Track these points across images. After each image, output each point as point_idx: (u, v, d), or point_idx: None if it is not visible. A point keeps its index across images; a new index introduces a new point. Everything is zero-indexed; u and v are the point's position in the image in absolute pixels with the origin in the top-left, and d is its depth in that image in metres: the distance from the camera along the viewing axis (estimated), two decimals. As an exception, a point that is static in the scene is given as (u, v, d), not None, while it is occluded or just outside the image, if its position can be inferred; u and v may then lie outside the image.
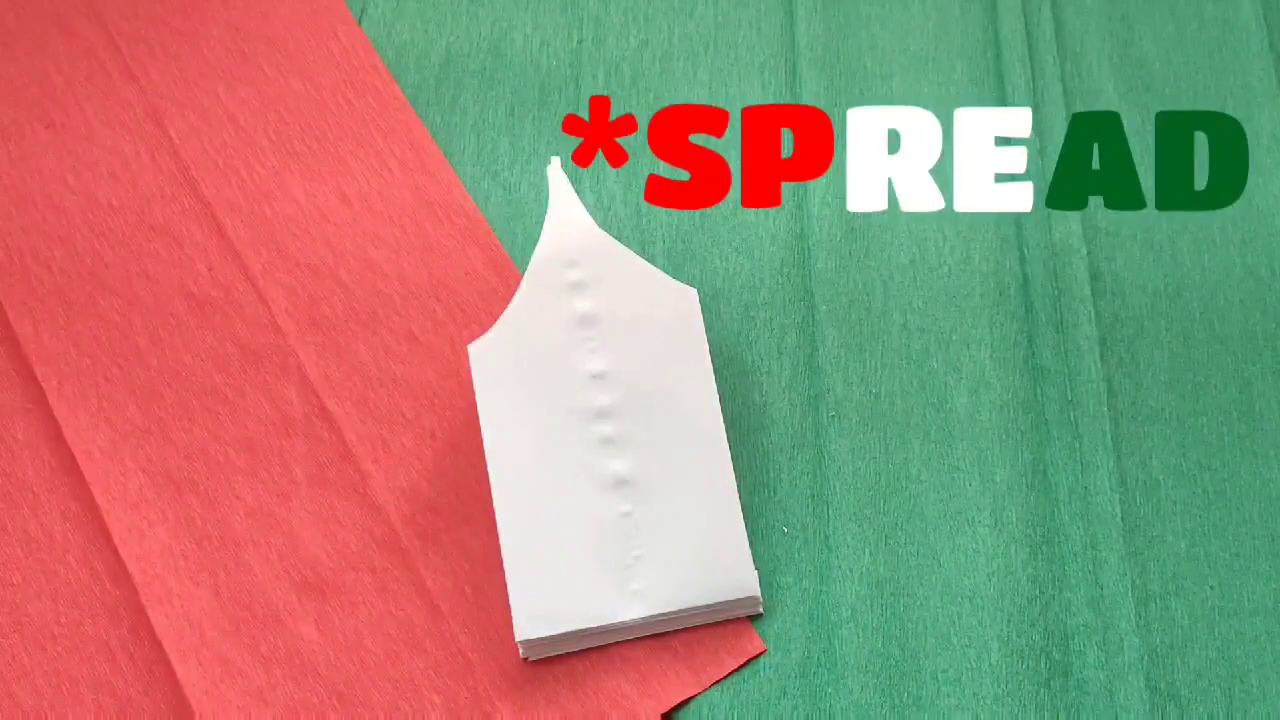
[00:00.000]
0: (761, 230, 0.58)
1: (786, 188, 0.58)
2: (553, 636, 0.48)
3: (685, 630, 0.50)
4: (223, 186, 0.59)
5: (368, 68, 0.61)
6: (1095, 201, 0.58)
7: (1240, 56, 0.61)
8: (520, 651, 0.49)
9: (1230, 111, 0.59)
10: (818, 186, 0.58)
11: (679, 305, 0.52)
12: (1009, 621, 0.50)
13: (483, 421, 0.51)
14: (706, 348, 0.51)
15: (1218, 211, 0.57)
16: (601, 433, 0.50)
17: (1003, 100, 0.60)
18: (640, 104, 0.61)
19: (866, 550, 0.51)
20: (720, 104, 0.60)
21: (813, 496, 0.52)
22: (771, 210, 0.58)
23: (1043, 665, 0.49)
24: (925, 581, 0.51)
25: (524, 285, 0.52)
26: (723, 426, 0.50)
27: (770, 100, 0.60)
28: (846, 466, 0.53)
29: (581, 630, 0.48)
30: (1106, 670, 0.49)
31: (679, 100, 0.61)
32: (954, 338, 0.55)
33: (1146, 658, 0.49)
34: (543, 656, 0.49)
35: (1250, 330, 0.55)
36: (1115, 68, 0.61)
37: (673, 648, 0.49)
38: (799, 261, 0.57)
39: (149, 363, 0.56)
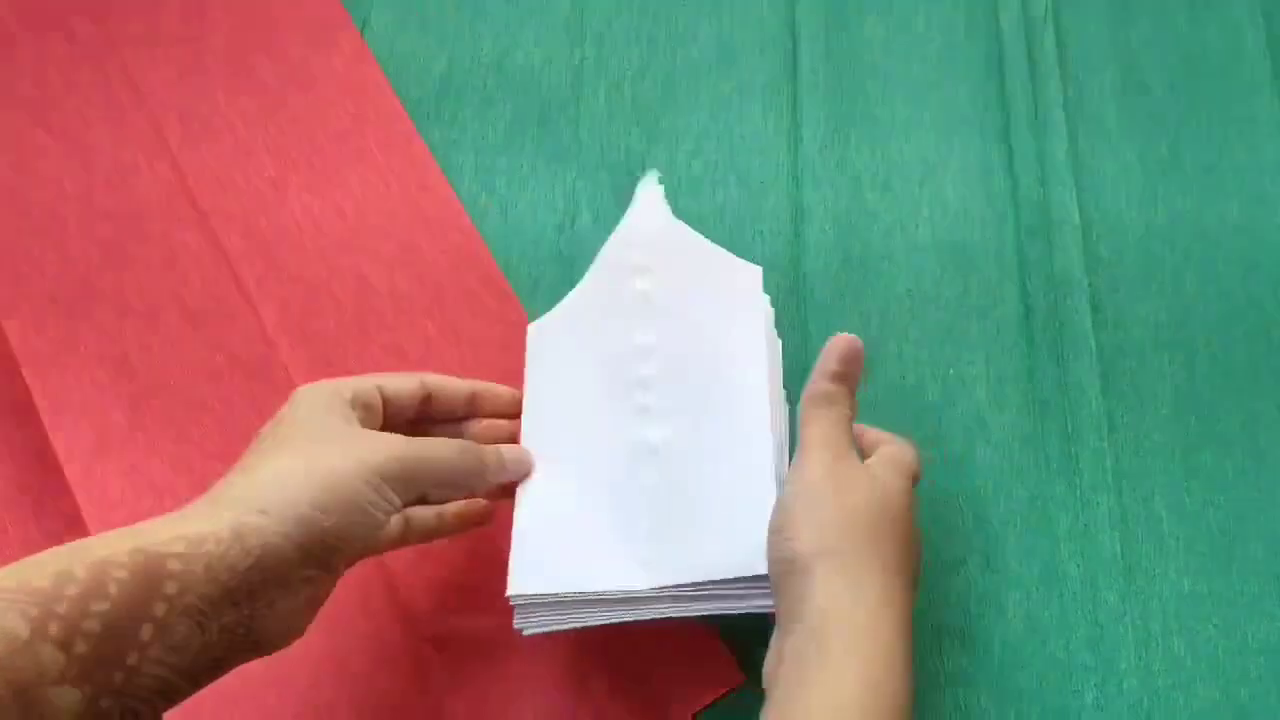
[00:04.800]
0: (758, 256, 0.57)
1: (784, 215, 0.58)
2: (549, 599, 0.45)
3: (664, 667, 0.48)
4: (219, 196, 0.59)
5: (369, 81, 0.62)
6: (1097, 231, 0.57)
7: (1244, 84, 0.60)
8: (515, 620, 0.45)
9: (1233, 139, 0.59)
10: (814, 216, 0.58)
11: (738, 281, 0.50)
12: (998, 664, 0.49)
13: (526, 390, 0.50)
14: (763, 325, 0.49)
15: (1222, 242, 0.57)
16: (640, 402, 0.48)
17: (1005, 126, 0.60)
18: (641, 126, 0.61)
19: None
20: (720, 126, 0.60)
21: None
22: (768, 236, 0.58)
23: (1036, 708, 0.48)
24: (918, 618, 0.49)
25: (589, 273, 0.52)
26: (767, 403, 0.47)
27: (771, 123, 0.60)
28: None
29: (581, 596, 0.44)
30: (1106, 713, 0.48)
31: (679, 123, 0.61)
32: (950, 371, 0.55)
33: (1147, 699, 0.48)
34: (540, 631, 0.45)
35: (1254, 363, 0.54)
36: (1118, 95, 0.60)
37: (652, 682, 0.48)
38: (794, 290, 0.56)
39: (138, 370, 0.55)
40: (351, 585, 0.51)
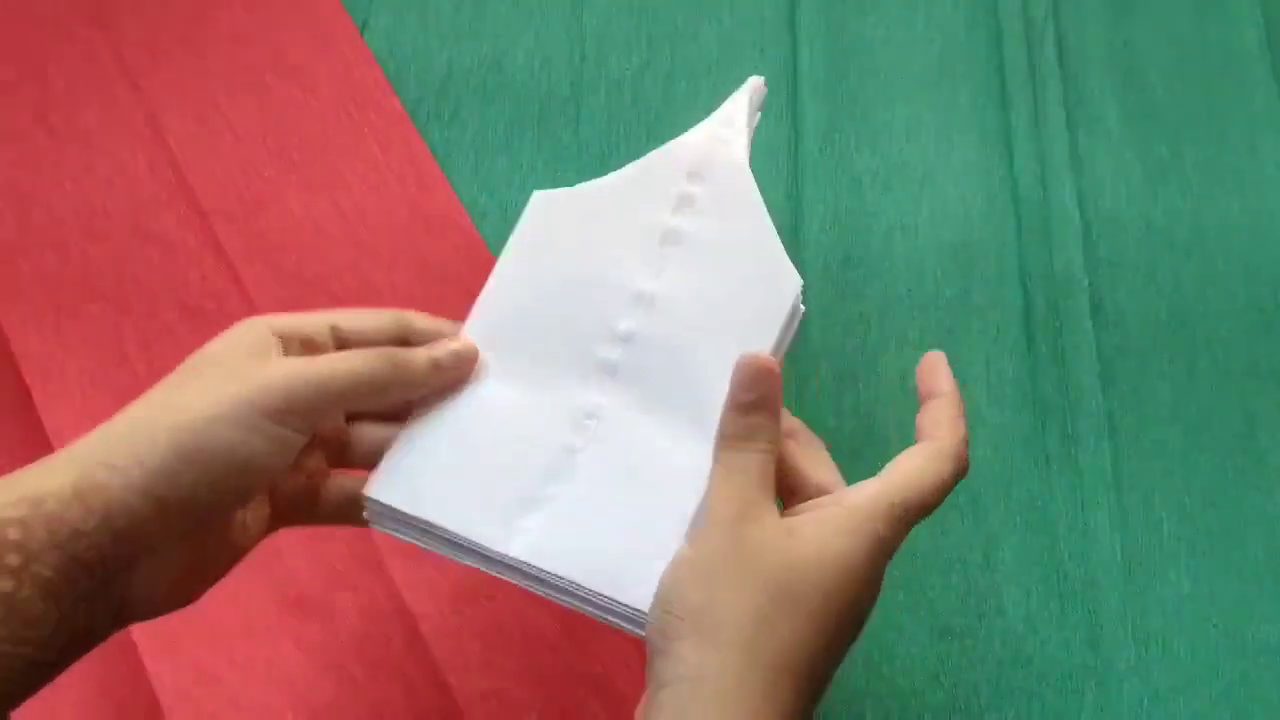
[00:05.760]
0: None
1: (782, 218, 0.58)
2: (404, 515, 0.40)
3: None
4: (219, 195, 0.59)
5: (369, 80, 0.61)
6: (1097, 230, 0.57)
7: (1243, 83, 0.60)
8: (365, 512, 0.41)
9: (1233, 139, 0.59)
10: (814, 215, 0.58)
11: (773, 283, 0.42)
12: (999, 663, 0.49)
13: (498, 266, 0.44)
14: (774, 342, 0.42)
15: (1222, 242, 0.57)
16: (606, 356, 0.42)
17: (1005, 126, 0.60)
18: (641, 125, 0.61)
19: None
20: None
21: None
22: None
23: (1036, 708, 0.48)
24: (915, 615, 0.50)
25: (630, 168, 0.45)
26: None
27: (771, 123, 0.60)
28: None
29: (437, 530, 0.40)
30: (1105, 713, 0.48)
31: (679, 122, 0.61)
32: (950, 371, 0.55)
33: (1147, 699, 0.48)
34: (390, 534, 0.41)
35: (1255, 363, 0.54)
36: (1118, 94, 0.60)
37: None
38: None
39: (137, 369, 0.55)
40: (352, 586, 0.51)
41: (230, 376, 0.36)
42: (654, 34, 0.63)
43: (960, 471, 0.38)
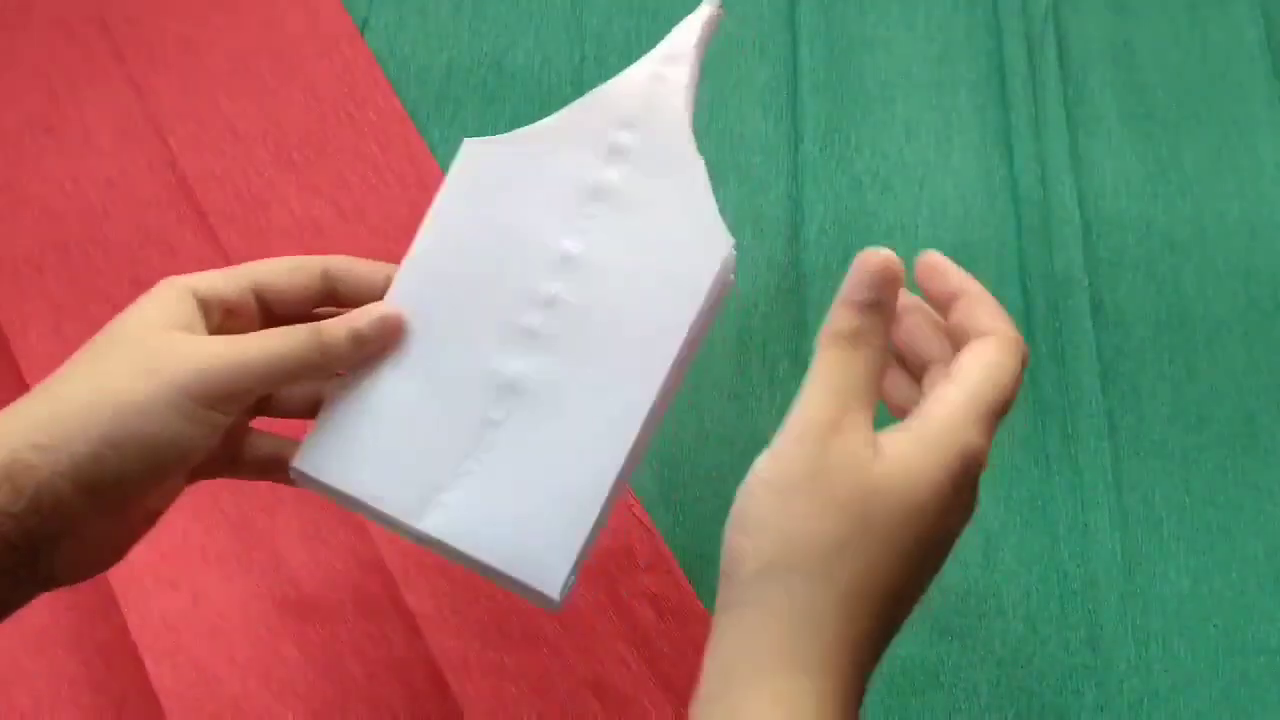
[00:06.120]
0: (757, 256, 0.57)
1: (784, 215, 0.58)
2: (326, 488, 0.40)
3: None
4: (219, 196, 0.59)
5: (369, 81, 0.61)
6: (1097, 230, 0.57)
7: (1243, 83, 0.60)
8: (291, 472, 0.41)
9: (1233, 138, 0.59)
10: (814, 215, 0.58)
11: (700, 246, 0.40)
12: (999, 663, 0.49)
13: (425, 221, 0.42)
14: (697, 311, 0.39)
15: (1222, 242, 0.57)
16: (527, 322, 0.40)
17: (1005, 126, 0.60)
18: (641, 125, 0.61)
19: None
20: (720, 126, 0.60)
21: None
22: (767, 235, 0.58)
23: (1036, 708, 0.48)
24: (914, 616, 0.49)
25: (565, 111, 0.42)
26: (649, 407, 0.39)
27: (771, 123, 0.60)
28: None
29: (358, 502, 0.40)
30: (1105, 713, 0.48)
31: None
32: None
33: (1147, 699, 0.48)
34: (315, 492, 0.41)
35: (1254, 363, 0.54)
36: (1118, 93, 0.60)
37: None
38: (794, 290, 0.56)
39: (137, 370, 0.55)
40: (352, 586, 0.51)
41: (154, 355, 0.36)
42: (654, 34, 0.63)
43: (1026, 358, 0.36)
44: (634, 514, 0.52)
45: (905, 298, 0.38)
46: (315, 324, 0.39)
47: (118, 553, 0.38)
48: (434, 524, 0.39)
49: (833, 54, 0.62)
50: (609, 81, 0.42)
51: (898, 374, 0.38)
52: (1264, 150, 0.59)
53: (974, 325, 0.36)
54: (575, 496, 0.39)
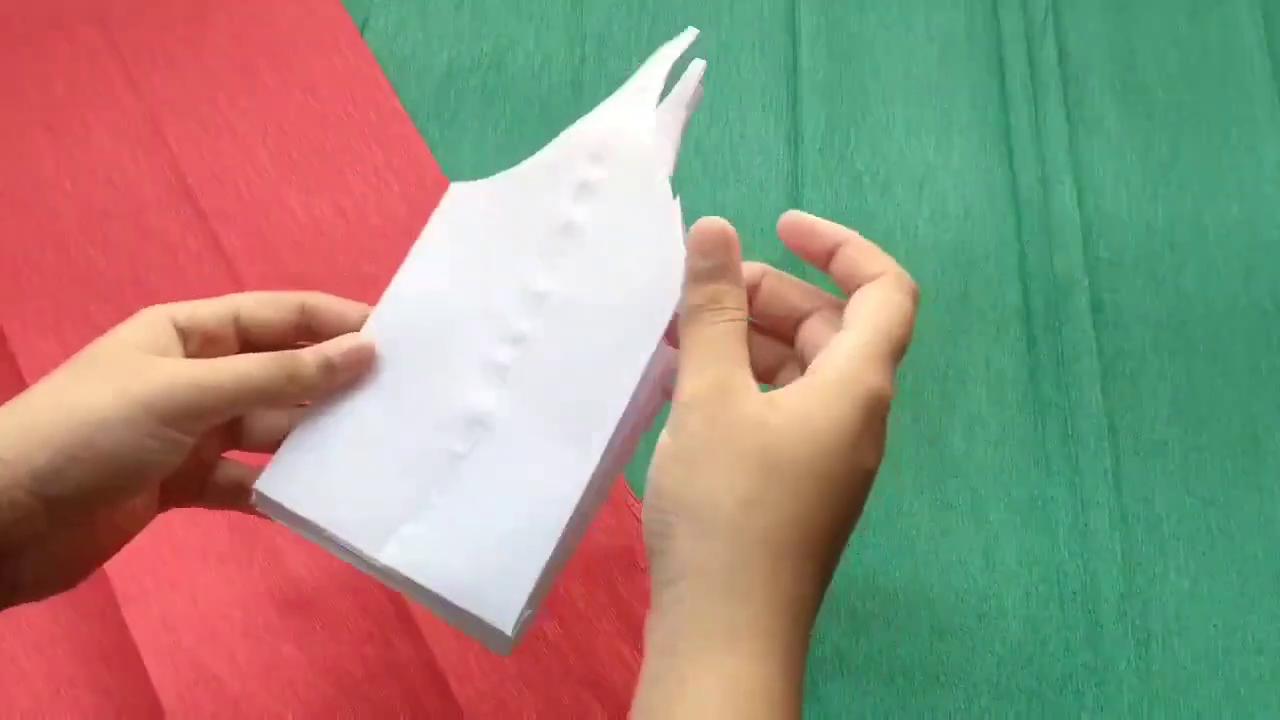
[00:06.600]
0: (757, 257, 0.57)
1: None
2: (287, 512, 0.40)
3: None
4: (219, 196, 0.59)
5: (369, 80, 0.61)
6: (1097, 230, 0.57)
7: (1244, 84, 0.60)
8: (253, 497, 0.41)
9: (1233, 140, 0.59)
10: (814, 213, 0.58)
11: (666, 279, 0.39)
12: (1000, 663, 0.49)
13: (409, 258, 0.43)
14: (653, 348, 0.39)
15: (1222, 242, 0.57)
16: (498, 358, 0.41)
17: (1005, 126, 0.60)
18: (641, 125, 0.61)
19: (853, 594, 0.50)
20: (720, 126, 0.60)
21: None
22: (768, 238, 0.57)
23: (1036, 708, 0.48)
24: (914, 616, 0.50)
25: (543, 153, 0.43)
26: (605, 442, 0.39)
27: (771, 123, 0.60)
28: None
29: (320, 531, 0.40)
30: (1105, 713, 0.48)
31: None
32: (950, 371, 0.55)
33: (1147, 699, 0.48)
34: (279, 522, 0.41)
35: (1254, 363, 0.54)
36: (1118, 95, 0.60)
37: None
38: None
39: (137, 370, 0.55)
40: (352, 587, 0.51)
41: (123, 373, 0.36)
42: (654, 34, 0.63)
43: (916, 296, 0.36)
44: (634, 514, 0.52)
45: (753, 267, 0.39)
46: (288, 351, 0.39)
47: (86, 569, 0.38)
48: (390, 556, 0.39)
49: (833, 54, 0.62)
50: (582, 118, 0.43)
51: (761, 340, 0.39)
52: (1264, 150, 0.59)
53: (860, 270, 0.36)
54: (531, 532, 0.39)
